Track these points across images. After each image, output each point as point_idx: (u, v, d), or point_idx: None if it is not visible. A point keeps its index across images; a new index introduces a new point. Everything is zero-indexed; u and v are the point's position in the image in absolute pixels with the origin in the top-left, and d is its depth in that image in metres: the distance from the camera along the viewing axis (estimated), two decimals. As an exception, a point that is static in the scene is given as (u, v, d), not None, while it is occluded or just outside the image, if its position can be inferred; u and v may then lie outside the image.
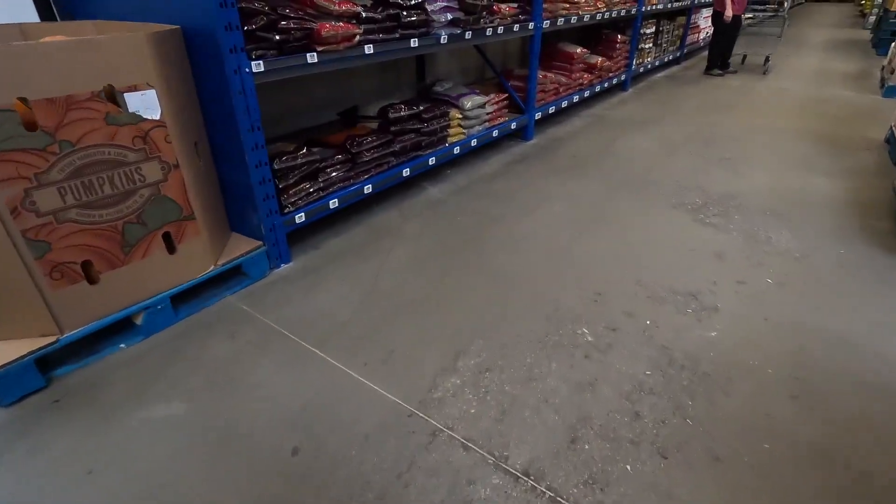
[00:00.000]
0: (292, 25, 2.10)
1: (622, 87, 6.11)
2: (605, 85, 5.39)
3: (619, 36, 5.50)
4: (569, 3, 4.27)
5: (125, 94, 1.68)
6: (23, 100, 1.47)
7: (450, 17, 2.90)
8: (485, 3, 3.10)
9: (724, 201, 3.10)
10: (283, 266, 2.45)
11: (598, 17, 4.72)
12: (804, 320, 2.01)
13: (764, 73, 6.98)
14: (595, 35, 5.62)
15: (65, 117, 1.55)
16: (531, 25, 3.78)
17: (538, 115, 4.29)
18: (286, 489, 1.36)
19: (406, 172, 3.02)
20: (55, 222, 1.61)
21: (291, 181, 2.39)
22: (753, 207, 3.02)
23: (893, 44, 6.01)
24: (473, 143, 3.56)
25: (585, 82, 5.00)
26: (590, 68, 5.13)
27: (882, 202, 3.06)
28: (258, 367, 1.80)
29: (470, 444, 1.48)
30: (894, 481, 1.37)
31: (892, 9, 8.01)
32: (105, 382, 1.74)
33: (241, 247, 2.28)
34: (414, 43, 2.76)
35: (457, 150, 3.41)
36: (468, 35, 3.14)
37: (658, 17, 6.67)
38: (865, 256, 2.47)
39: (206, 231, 2.07)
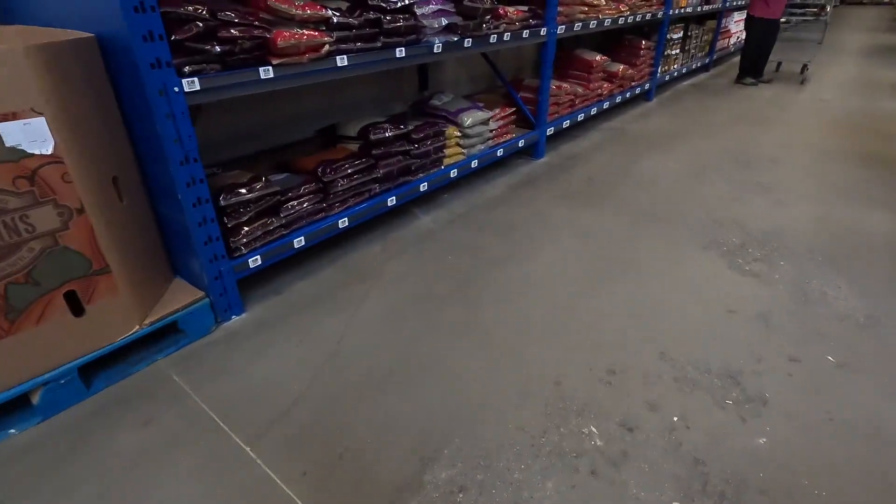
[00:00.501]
0: (238, 34, 1.71)
1: (646, 96, 5.62)
2: (628, 95, 4.92)
3: (644, 42, 5.02)
4: (587, 6, 3.82)
5: (-1, 125, 1.30)
6: None
7: (445, 22, 2.48)
8: (487, 6, 2.68)
9: (765, 241, 2.62)
10: (235, 318, 2.06)
11: (621, 21, 4.25)
12: (882, 419, 1.54)
13: (801, 83, 6.41)
14: (617, 41, 5.15)
15: None
16: (543, 31, 3.35)
17: (550, 131, 3.85)
18: None
19: (392, 201, 2.61)
20: None
21: (244, 218, 2.00)
22: (801, 250, 2.53)
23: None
24: (474, 164, 3.14)
25: (605, 93, 4.53)
26: (610, 77, 4.66)
27: (960, 246, 2.55)
28: (166, 472, 1.41)
29: None
30: None
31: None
32: (-27, 489, 1.37)
33: (180, 298, 1.90)
34: (400, 52, 2.35)
35: (454, 173, 2.99)
36: (468, 43, 2.72)
37: (686, 20, 6.16)
38: (950, 324, 1.98)
39: (127, 286, 1.69)
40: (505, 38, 3.00)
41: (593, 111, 4.36)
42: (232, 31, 1.69)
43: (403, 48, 2.35)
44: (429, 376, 1.74)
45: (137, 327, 1.75)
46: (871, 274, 2.32)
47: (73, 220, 1.49)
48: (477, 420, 1.56)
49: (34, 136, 1.36)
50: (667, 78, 5.81)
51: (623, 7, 4.33)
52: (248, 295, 2.20)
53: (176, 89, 1.60)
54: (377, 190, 2.56)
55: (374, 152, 2.47)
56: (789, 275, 2.32)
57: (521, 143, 3.56)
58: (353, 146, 2.56)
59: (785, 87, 6.23)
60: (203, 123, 2.67)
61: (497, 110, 3.31)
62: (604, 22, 4.00)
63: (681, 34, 5.90)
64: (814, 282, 2.27)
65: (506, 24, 3.00)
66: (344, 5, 2.15)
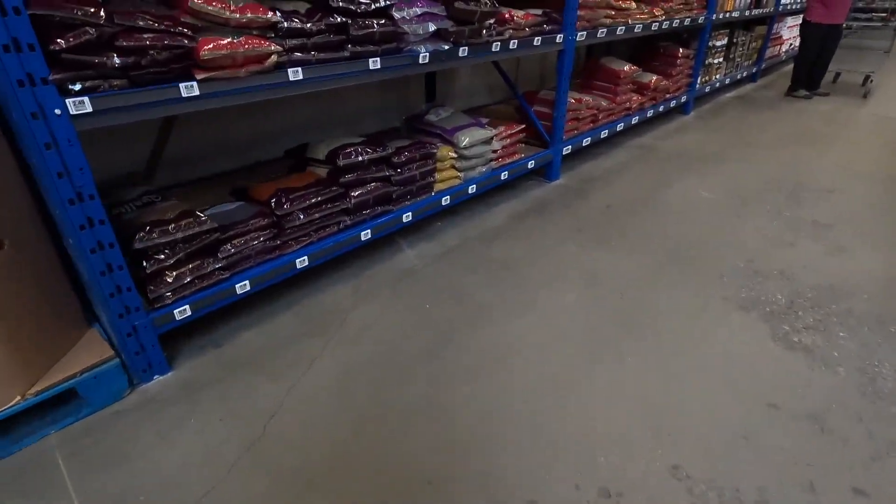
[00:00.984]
0: (148, 42, 1.37)
1: (682, 109, 5.07)
2: (661, 109, 4.40)
3: (681, 49, 4.49)
4: (614, 9, 3.37)
5: None
6: None
7: (432, 28, 2.10)
8: (487, 9, 2.28)
9: (820, 301, 2.12)
10: (157, 378, 1.73)
11: (654, 27, 3.76)
12: None
13: (864, 97, 5.70)
14: (650, 49, 4.64)
15: None
16: (559, 38, 2.92)
17: (567, 150, 3.41)
18: None
19: (366, 235, 2.24)
20: None
21: (170, 262, 1.67)
22: (868, 316, 2.02)
23: None
24: (471, 189, 2.74)
25: (634, 106, 4.05)
26: (641, 89, 4.17)
27: None
28: None
29: None
30: None
31: None
32: None
33: (85, 358, 1.58)
34: (374, 64, 1.98)
35: (446, 200, 2.60)
36: (463, 52, 2.32)
37: (732, 26, 5.57)
38: None
39: (5, 345, 1.37)
40: (511, 47, 2.59)
41: (619, 127, 3.88)
42: (138, 38, 1.36)
43: (378, 58, 1.98)
44: (366, 485, 1.35)
45: (19, 398, 1.44)
46: (964, 356, 1.80)
47: (-88, 277, 1.19)
48: (413, 563, 1.16)
49: None
50: (707, 89, 5.25)
51: (657, 11, 3.84)
52: (181, 347, 1.87)
53: (57, 111, 1.28)
54: (348, 222, 2.19)
55: (343, 179, 2.11)
56: (852, 352, 1.82)
57: (530, 165, 3.14)
58: (323, 171, 2.21)
59: (844, 102, 5.55)
60: (178, 136, 2.39)
61: (502, 127, 2.90)
62: (634, 28, 3.53)
63: (725, 41, 5.32)
64: (886, 365, 1.76)
65: (513, 29, 2.59)
66: (303, 7, 1.80)
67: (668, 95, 4.54)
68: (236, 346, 1.90)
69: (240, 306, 2.06)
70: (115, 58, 1.33)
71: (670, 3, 4.03)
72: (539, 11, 2.83)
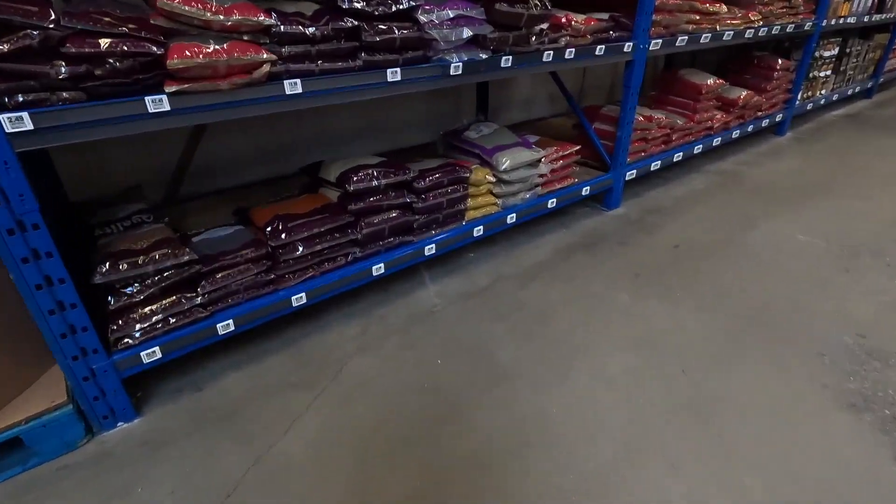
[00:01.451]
0: (102, 49, 1.16)
1: (777, 130, 4.38)
2: (749, 129, 3.79)
3: (780, 61, 3.85)
4: (699, 13, 2.87)
5: None
6: None
7: (467, 34, 1.77)
8: (537, 12, 1.92)
9: (965, 406, 1.56)
10: (121, 426, 1.53)
11: (749, 34, 3.20)
12: None
13: None
14: (742, 59, 4.03)
15: None
16: (628, 46, 2.48)
17: (631, 174, 2.95)
18: None
19: (379, 270, 1.95)
20: None
21: (139, 297, 1.47)
22: None
23: None
24: (510, 219, 2.38)
25: (717, 125, 3.49)
26: (727, 105, 3.59)
27: None
28: None
29: None
30: None
31: None
32: None
33: (36, 402, 1.41)
34: (393, 75, 1.69)
35: (478, 230, 2.26)
36: (506, 62, 1.98)
37: (845, 34, 4.78)
38: None
39: (-70, 394, 1.21)
40: (567, 56, 2.21)
41: (697, 149, 3.35)
42: (91, 44, 1.15)
43: (398, 69, 1.69)
44: None
45: (-48, 446, 1.28)
46: None
47: None
48: None
49: None
50: (809, 106, 4.51)
51: (753, 16, 3.27)
52: (156, 387, 1.67)
53: (-11, 130, 1.09)
54: (357, 255, 1.92)
55: (353, 206, 1.83)
56: None
57: (585, 191, 2.72)
58: (334, 194, 1.95)
59: None
60: (207, 143, 2.26)
61: (553, 148, 2.51)
62: (722, 35, 3.00)
63: (835, 51, 4.55)
64: None
65: (570, 36, 2.21)
66: (310, 8, 1.53)
67: (760, 113, 3.91)
68: (217, 391, 1.67)
69: (229, 341, 1.84)
70: (62, 67, 1.13)
71: (770, 7, 3.43)
72: (605, 16, 2.42)
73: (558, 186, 2.62)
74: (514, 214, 2.38)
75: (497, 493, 1.31)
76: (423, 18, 1.67)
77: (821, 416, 1.54)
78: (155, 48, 1.22)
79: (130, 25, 1.19)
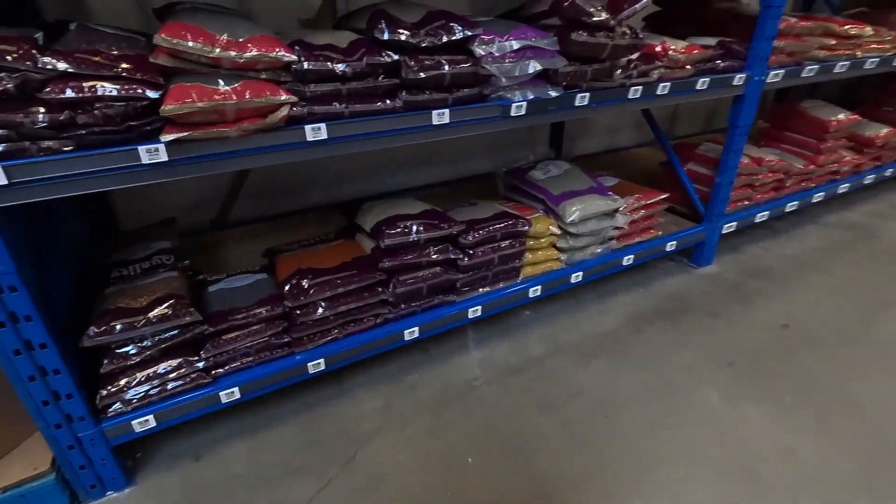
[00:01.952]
0: (88, 94, 0.99)
1: (922, 172, 3.60)
2: (887, 172, 3.11)
3: (936, 91, 3.13)
4: (834, 37, 2.33)
5: None
6: None
7: (535, 68, 1.47)
8: (624, 41, 1.56)
9: None
10: (111, 495, 1.39)
11: (897, 60, 2.59)
12: None
13: None
14: (884, 90, 3.33)
15: None
16: (739, 79, 2.04)
17: (731, 227, 2.46)
18: None
19: (412, 334, 1.69)
20: None
21: (135, 360, 1.31)
22: None
23: None
24: (575, 278, 2.02)
25: (845, 169, 2.88)
26: (862, 145, 2.96)
27: None
28: None
29: None
30: None
31: None
32: None
33: (16, 469, 1.29)
34: (440, 117, 1.42)
35: (535, 291, 1.93)
36: (582, 100, 1.64)
37: None
38: None
39: None
40: (660, 92, 1.82)
41: (817, 197, 2.77)
42: (76, 88, 0.98)
43: (447, 110, 1.41)
44: None
45: (-78, 515, 1.18)
46: None
47: None
48: None
49: None
50: (969, 146, 3.66)
51: (907, 38, 2.64)
52: (154, 451, 1.52)
53: (-48, 186, 0.96)
54: (389, 316, 1.67)
55: (385, 264, 1.58)
56: None
57: (670, 246, 2.29)
58: (369, 244, 1.71)
59: None
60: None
61: (634, 197, 2.12)
62: (863, 63, 2.43)
63: None
64: None
65: (665, 67, 1.82)
66: (345, 40, 1.31)
67: (902, 155, 3.20)
68: (216, 463, 1.49)
69: (242, 408, 1.65)
70: (39, 115, 0.97)
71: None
72: (711, 41, 1.99)
73: (637, 240, 2.22)
74: (579, 273, 2.02)
75: None
76: (479, 51, 1.39)
77: None
78: (149, 91, 1.04)
79: (124, 65, 1.02)
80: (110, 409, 1.32)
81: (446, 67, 1.35)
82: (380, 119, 1.34)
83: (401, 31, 1.29)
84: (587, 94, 1.64)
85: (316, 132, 1.25)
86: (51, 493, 1.30)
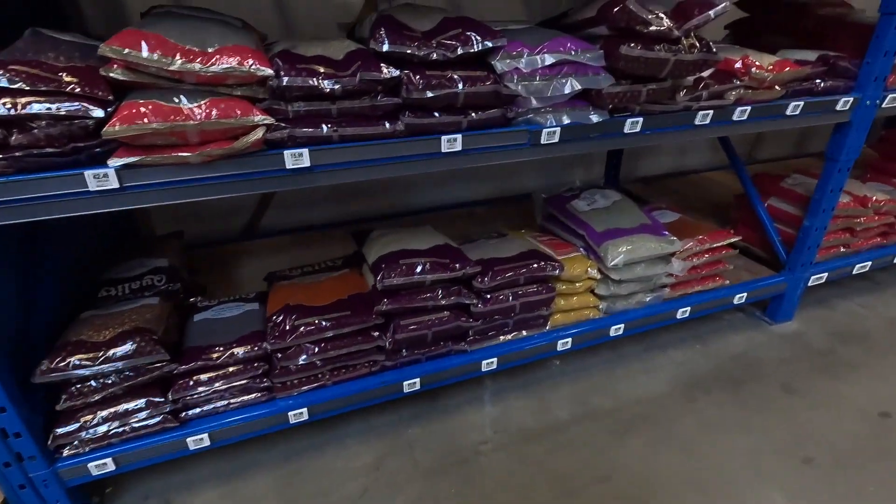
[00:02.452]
0: (22, 111, 0.86)
1: None
2: None
3: None
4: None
5: None
6: None
7: (573, 87, 1.20)
8: (691, 56, 1.25)
9: None
10: (66, 538, 1.29)
11: None
12: None
13: None
14: None
15: None
16: (844, 102, 1.64)
17: (820, 278, 2.04)
18: None
19: (412, 385, 1.48)
20: None
21: (93, 398, 1.19)
22: None
23: None
24: (615, 331, 1.72)
25: (978, 214, 2.33)
26: None
27: None
28: None
29: None
30: None
31: None
32: None
33: (-28, 499, 1.21)
34: (451, 144, 1.19)
35: (565, 343, 1.65)
36: (633, 126, 1.35)
37: None
38: None
39: None
40: (738, 117, 1.48)
41: (938, 247, 2.25)
42: (9, 104, 0.86)
43: (459, 136, 1.18)
44: None
45: None
46: None
47: None
48: None
49: None
50: None
51: None
52: (126, 488, 1.40)
53: None
54: (388, 363, 1.46)
55: (383, 307, 1.38)
56: None
57: (739, 299, 1.91)
58: (371, 279, 1.52)
59: None
60: None
61: (695, 239, 1.77)
62: None
63: None
64: None
65: (747, 87, 1.48)
66: (341, 51, 1.11)
67: None
68: (183, 512, 1.35)
69: (223, 451, 1.51)
70: (-37, 135, 0.85)
71: None
72: (811, 56, 1.62)
73: (698, 289, 1.87)
74: (620, 326, 1.72)
75: None
76: (501, 66, 1.15)
77: None
78: (94, 109, 0.90)
79: (67, 79, 0.88)
80: (65, 449, 1.21)
81: (460, 86, 1.12)
82: (376, 145, 1.13)
83: (405, 41, 1.08)
84: (640, 120, 1.35)
85: (297, 159, 1.07)
86: (1, 532, 1.21)
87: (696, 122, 1.44)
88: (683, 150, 3.26)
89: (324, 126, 1.08)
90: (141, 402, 1.24)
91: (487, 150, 1.24)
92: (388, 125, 1.13)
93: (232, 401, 1.33)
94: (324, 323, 1.34)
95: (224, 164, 1.03)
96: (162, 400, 1.25)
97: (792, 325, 2.08)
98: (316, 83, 1.03)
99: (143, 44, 0.90)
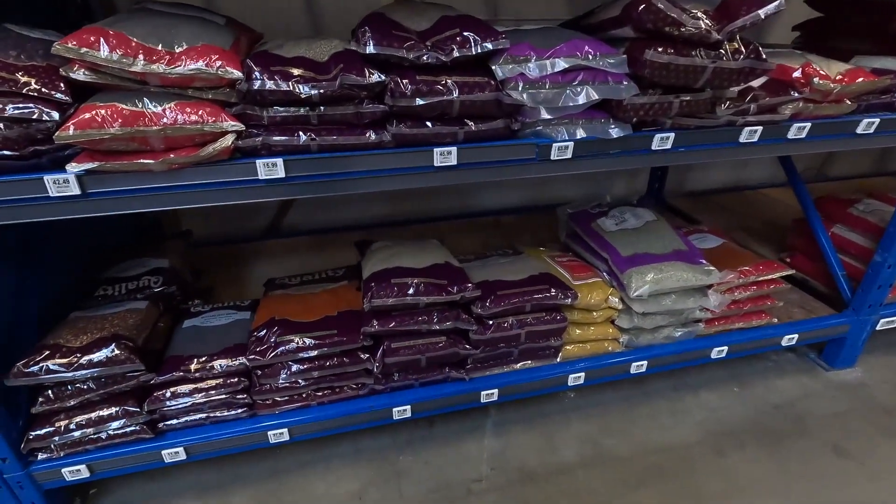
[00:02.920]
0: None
1: None
2: None
3: None
4: None
5: None
6: None
7: (589, 97, 1.05)
8: (735, 62, 1.06)
9: None
10: (41, 540, 1.28)
11: None
12: None
13: None
14: None
15: None
16: (934, 119, 1.37)
17: (891, 321, 1.75)
18: None
19: (402, 412, 1.37)
20: None
21: (69, 403, 1.17)
22: None
23: None
24: (637, 367, 1.54)
25: None
26: None
27: None
28: None
29: None
30: None
31: None
32: None
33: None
34: (445, 158, 1.06)
35: (578, 378, 1.49)
36: (662, 142, 1.17)
37: None
38: None
39: None
40: (794, 136, 1.27)
41: None
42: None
43: (454, 149, 1.06)
44: None
45: None
46: None
47: None
48: None
49: None
50: None
51: None
52: (108, 492, 1.38)
53: None
54: (378, 387, 1.36)
55: (374, 327, 1.28)
56: None
57: (788, 340, 1.67)
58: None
59: None
60: None
61: (738, 270, 1.55)
62: None
63: None
64: None
65: (807, 101, 1.26)
66: (326, 52, 1.01)
67: None
68: (158, 524, 1.32)
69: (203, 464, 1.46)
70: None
71: None
72: (892, 64, 1.36)
73: (739, 325, 1.64)
74: (643, 362, 1.53)
75: None
76: (502, 72, 1.01)
77: None
78: (48, 111, 0.85)
79: (24, 79, 0.84)
80: (40, 453, 1.19)
81: (455, 93, 1.00)
82: (359, 156, 1.03)
83: (393, 42, 0.97)
84: (671, 135, 1.17)
85: (270, 169, 0.98)
86: (-21, 527, 1.21)
87: (742, 139, 1.24)
88: (740, 162, 2.97)
89: (301, 134, 0.99)
90: (116, 411, 1.20)
91: (487, 164, 1.11)
92: (373, 135, 1.02)
93: (210, 415, 1.28)
94: (307, 341, 1.25)
95: (192, 172, 0.96)
96: (137, 410, 1.21)
97: (853, 373, 1.80)
98: (290, 87, 0.93)
99: (103, 43, 0.84)
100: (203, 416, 1.28)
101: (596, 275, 1.56)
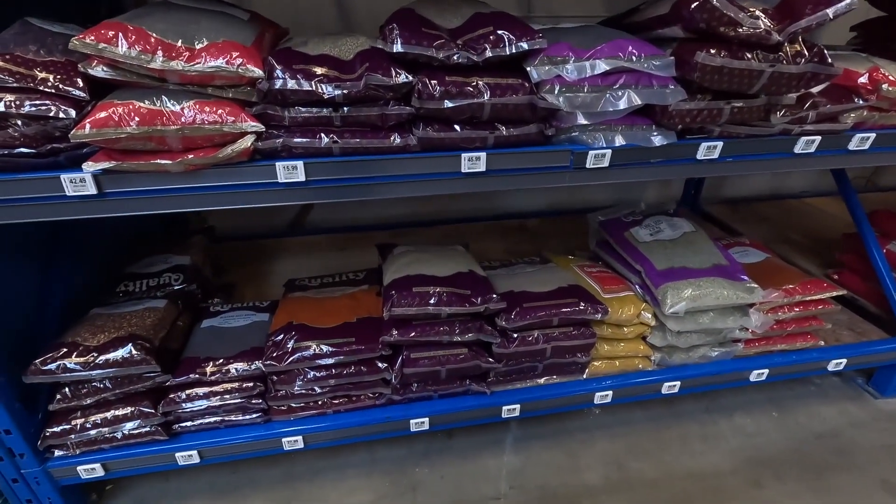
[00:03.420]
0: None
1: None
2: None
3: None
4: None
5: None
6: None
7: (632, 101, 0.97)
8: (795, 67, 0.97)
9: None
10: (57, 535, 1.28)
11: None
12: None
13: None
14: None
15: None
16: None
17: (950, 348, 1.62)
18: None
19: (420, 424, 1.33)
20: None
21: (86, 401, 1.16)
22: None
23: None
24: (669, 388, 1.45)
25: None
26: None
27: None
28: None
29: None
30: None
31: None
32: None
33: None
34: (473, 164, 1.00)
35: (605, 396, 1.41)
36: (707, 151, 1.08)
37: None
38: None
39: None
40: (855, 147, 1.16)
41: None
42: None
43: (483, 154, 1.00)
44: None
45: None
46: None
47: None
48: None
49: None
50: None
51: None
52: (124, 489, 1.38)
53: None
54: (395, 398, 1.32)
55: (394, 336, 1.23)
56: None
57: (835, 365, 1.56)
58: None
59: None
60: None
61: (782, 290, 1.44)
62: None
63: None
64: None
65: (872, 109, 1.15)
66: (351, 50, 0.96)
67: None
68: (170, 527, 1.30)
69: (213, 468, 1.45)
70: (-62, 131, 0.81)
71: None
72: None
73: (781, 347, 1.54)
74: (676, 383, 1.45)
75: None
76: (537, 74, 0.94)
77: None
78: (65, 108, 0.82)
79: (42, 75, 0.81)
80: (56, 450, 1.19)
81: (486, 95, 0.93)
82: (382, 160, 0.98)
83: (422, 41, 0.91)
84: (718, 144, 1.08)
85: (290, 172, 0.94)
86: (-4, 520, 1.22)
87: (797, 149, 1.14)
88: (774, 178, 2.82)
89: (323, 136, 0.94)
90: (131, 411, 1.19)
91: (518, 172, 1.04)
92: (398, 138, 0.97)
93: (225, 418, 1.26)
94: (324, 348, 1.22)
95: (210, 173, 0.92)
96: (152, 411, 1.19)
97: (906, 403, 1.68)
98: (312, 87, 0.89)
99: (121, 38, 0.81)
100: (218, 419, 1.25)
101: (628, 288, 1.48)
